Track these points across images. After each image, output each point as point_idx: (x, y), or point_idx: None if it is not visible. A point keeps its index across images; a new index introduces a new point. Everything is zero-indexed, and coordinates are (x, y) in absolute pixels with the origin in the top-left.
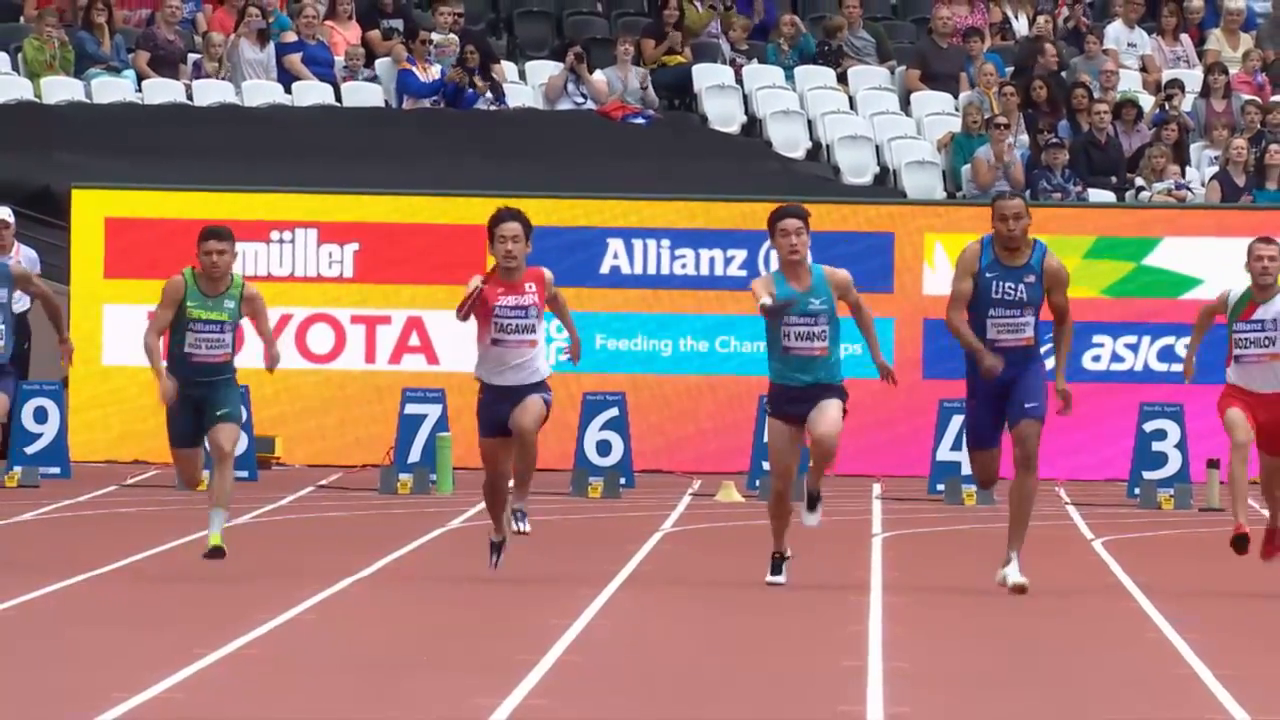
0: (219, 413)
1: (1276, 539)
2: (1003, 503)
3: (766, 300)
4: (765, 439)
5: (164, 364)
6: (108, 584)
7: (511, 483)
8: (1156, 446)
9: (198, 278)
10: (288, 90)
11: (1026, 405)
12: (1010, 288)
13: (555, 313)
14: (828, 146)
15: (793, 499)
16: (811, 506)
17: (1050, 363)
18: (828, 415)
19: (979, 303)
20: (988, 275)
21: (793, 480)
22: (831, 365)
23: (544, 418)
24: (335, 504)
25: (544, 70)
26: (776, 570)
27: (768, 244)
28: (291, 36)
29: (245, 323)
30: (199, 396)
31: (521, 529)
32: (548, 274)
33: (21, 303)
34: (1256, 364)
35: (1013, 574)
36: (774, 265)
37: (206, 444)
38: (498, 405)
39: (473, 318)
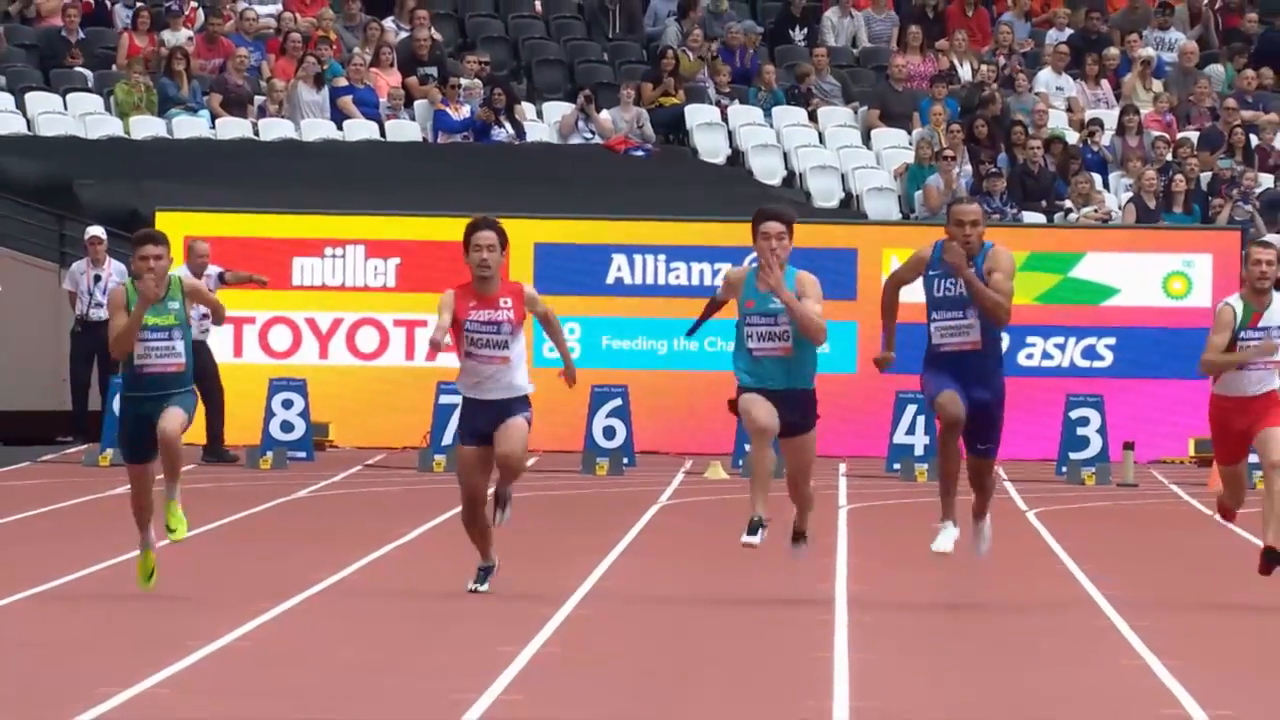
0: (169, 406)
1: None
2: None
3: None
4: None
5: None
6: (194, 544)
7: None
8: (1080, 431)
9: (137, 285)
10: (339, 127)
11: (980, 446)
12: (950, 284)
13: (545, 332)
14: (800, 175)
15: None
16: (796, 541)
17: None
18: (801, 457)
19: (925, 305)
20: (931, 274)
21: (773, 435)
22: (801, 365)
23: (527, 441)
24: (380, 480)
25: (558, 110)
26: (752, 531)
27: (751, 257)
28: (343, 81)
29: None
30: (151, 411)
31: (502, 518)
32: (528, 290)
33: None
34: (1262, 369)
35: (944, 541)
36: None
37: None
38: (477, 416)
39: (448, 336)
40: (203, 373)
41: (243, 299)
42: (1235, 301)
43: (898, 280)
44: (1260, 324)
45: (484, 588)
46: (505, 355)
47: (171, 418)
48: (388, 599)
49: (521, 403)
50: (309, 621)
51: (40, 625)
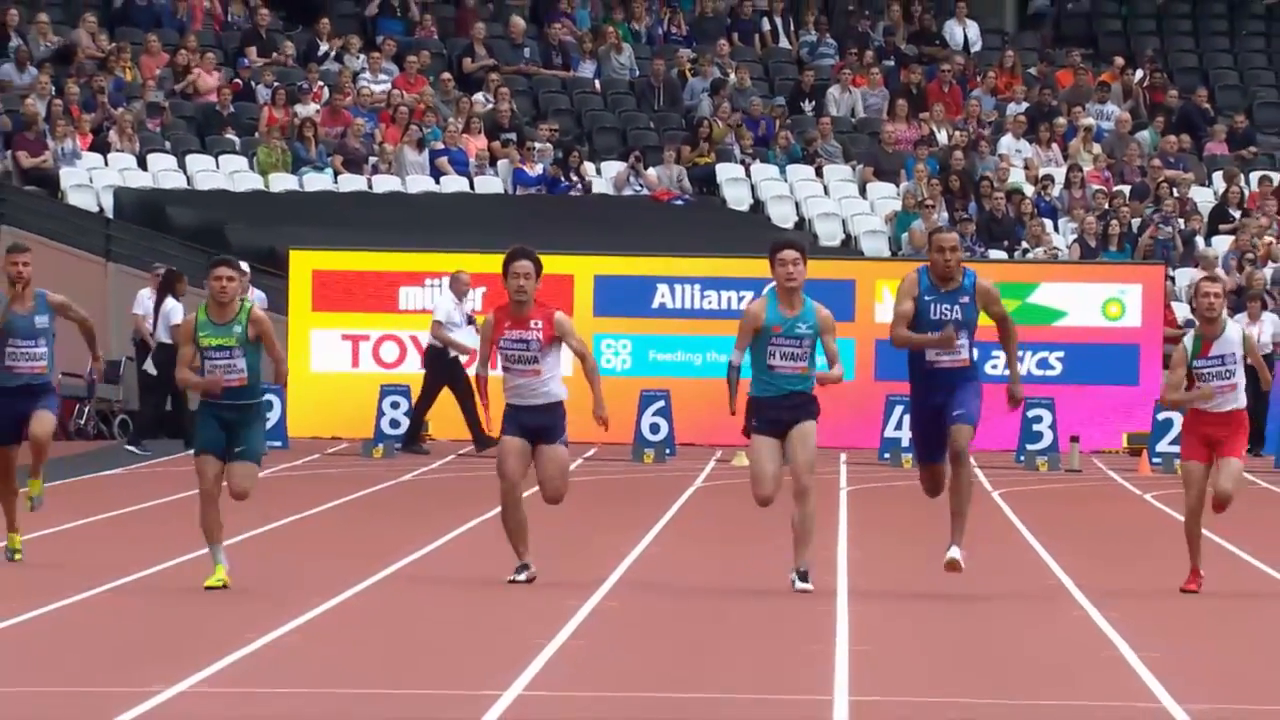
0: (237, 449)
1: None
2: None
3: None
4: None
5: (195, 377)
6: (319, 520)
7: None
8: (1035, 427)
9: (208, 308)
10: (437, 181)
11: (955, 413)
12: (946, 309)
13: (584, 371)
14: (809, 220)
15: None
16: (804, 579)
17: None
18: (805, 451)
19: (918, 326)
20: (926, 299)
21: (774, 495)
22: (809, 379)
23: (568, 470)
24: (469, 466)
25: (613, 168)
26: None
27: (769, 286)
28: (440, 144)
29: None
30: (227, 419)
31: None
32: (559, 315)
33: None
34: (1219, 393)
35: (952, 551)
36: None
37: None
38: (523, 417)
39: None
40: (454, 376)
41: (356, 321)
42: (1188, 338)
43: (903, 319)
44: (1211, 353)
45: (520, 578)
46: (536, 369)
47: (249, 474)
48: (472, 563)
49: (561, 419)
50: (415, 582)
51: (117, 616)
